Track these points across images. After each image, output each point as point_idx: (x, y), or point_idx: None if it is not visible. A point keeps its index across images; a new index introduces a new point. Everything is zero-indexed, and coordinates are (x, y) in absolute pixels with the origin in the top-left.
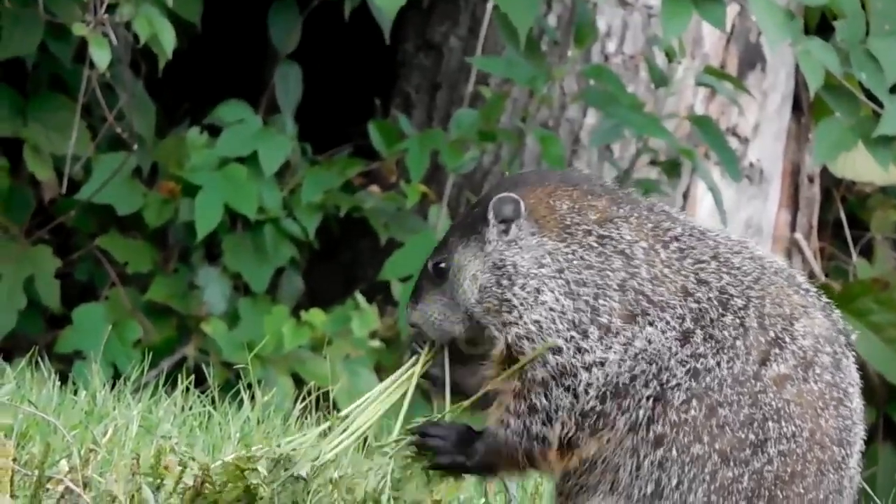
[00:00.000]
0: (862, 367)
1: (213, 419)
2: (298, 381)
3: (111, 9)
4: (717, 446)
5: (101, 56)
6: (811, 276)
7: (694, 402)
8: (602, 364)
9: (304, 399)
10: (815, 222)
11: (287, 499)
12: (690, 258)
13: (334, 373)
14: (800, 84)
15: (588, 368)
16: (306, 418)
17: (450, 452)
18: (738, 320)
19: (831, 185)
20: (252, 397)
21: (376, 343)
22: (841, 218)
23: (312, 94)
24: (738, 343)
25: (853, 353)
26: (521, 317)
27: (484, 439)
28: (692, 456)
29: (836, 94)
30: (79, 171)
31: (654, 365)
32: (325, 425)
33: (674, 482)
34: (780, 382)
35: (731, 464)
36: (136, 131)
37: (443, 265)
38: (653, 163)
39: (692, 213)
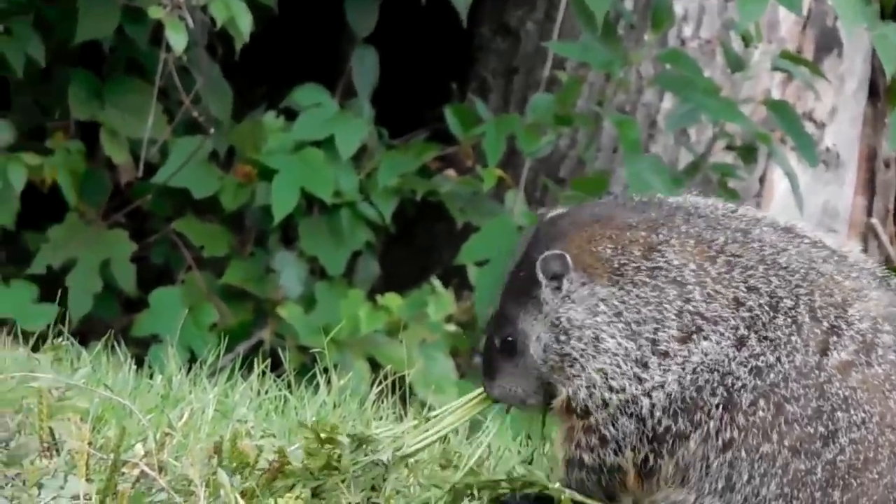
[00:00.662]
0: None
1: (288, 403)
2: (374, 365)
3: None
4: (786, 443)
5: (177, 39)
6: (887, 260)
7: (761, 402)
8: (662, 386)
9: (380, 383)
10: (891, 207)
11: (366, 482)
12: (739, 268)
13: (410, 357)
14: (876, 69)
15: (648, 394)
16: (382, 402)
17: None
18: (789, 319)
19: None
20: (328, 381)
21: (452, 327)
22: None
23: (389, 78)
24: (794, 338)
25: None
26: (583, 368)
27: (563, 486)
28: (761, 454)
29: None
30: (155, 155)
31: (716, 373)
32: (411, 422)
33: (745, 477)
34: (845, 370)
35: (803, 456)
36: (213, 115)
37: (510, 338)
38: (729, 147)
39: (769, 198)
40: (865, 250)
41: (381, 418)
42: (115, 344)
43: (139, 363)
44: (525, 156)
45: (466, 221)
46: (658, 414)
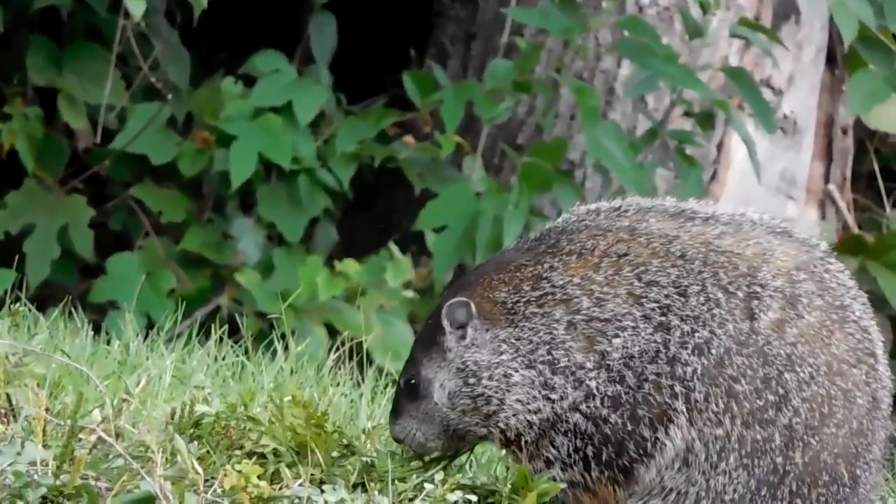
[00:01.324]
0: (894, 321)
1: (246, 369)
2: (332, 332)
3: None
4: (738, 421)
5: (135, 6)
6: (845, 227)
7: (714, 391)
8: (589, 397)
9: (337, 349)
10: (848, 174)
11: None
12: (627, 267)
13: (368, 323)
14: (834, 36)
15: (576, 408)
16: (340, 368)
17: None
18: (703, 298)
19: (865, 136)
20: (286, 347)
21: (410, 293)
22: (874, 170)
23: (347, 44)
24: (716, 311)
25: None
26: (502, 402)
27: None
28: (716, 436)
29: (870, 46)
30: (113, 121)
31: (659, 361)
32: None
33: (702, 456)
34: (779, 328)
35: (758, 427)
36: (171, 81)
37: (413, 381)
38: (687, 114)
39: (727, 165)
40: (823, 217)
41: (338, 384)
42: (73, 310)
43: (97, 329)
44: (483, 122)
45: (424, 188)
46: (606, 417)
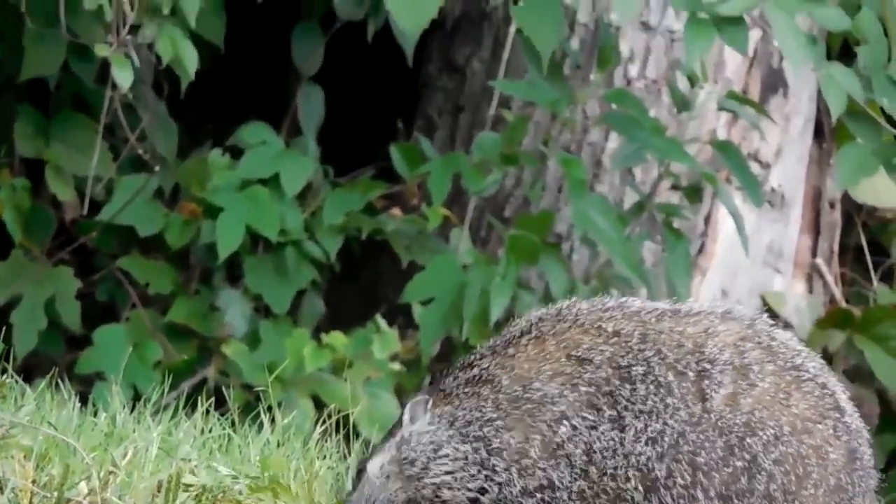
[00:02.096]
0: (882, 394)
1: (232, 441)
2: (319, 404)
3: (134, 30)
4: (712, 493)
5: (123, 77)
6: (832, 301)
7: (674, 466)
8: (548, 488)
9: (324, 422)
10: (836, 247)
11: None
12: (553, 341)
13: (355, 395)
14: (821, 109)
15: (531, 494)
16: (326, 441)
17: None
18: (651, 385)
19: (852, 210)
20: (272, 420)
21: (397, 366)
22: (862, 243)
23: (335, 115)
24: (669, 400)
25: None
26: (426, 467)
27: None
28: None
29: (858, 119)
30: (100, 192)
31: (618, 457)
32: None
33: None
34: (732, 401)
35: (735, 500)
36: (159, 152)
37: (360, 467)
38: (674, 187)
39: (714, 238)
40: (810, 290)
41: (324, 457)
42: (60, 381)
43: (83, 401)
44: (471, 194)
45: (412, 260)
46: None
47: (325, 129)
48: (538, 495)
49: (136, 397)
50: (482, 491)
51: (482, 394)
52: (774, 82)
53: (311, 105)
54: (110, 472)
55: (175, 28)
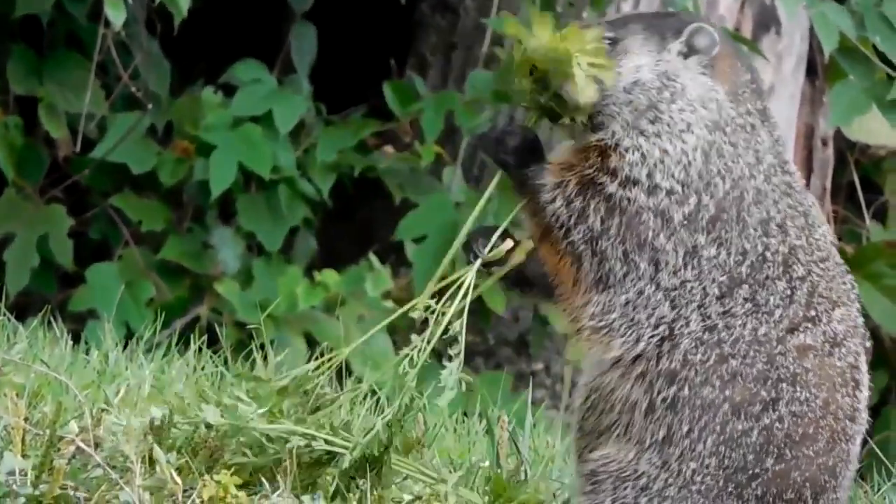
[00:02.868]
0: (874, 332)
1: (225, 379)
2: (311, 342)
3: None
4: (727, 393)
5: (116, 14)
6: None
7: (702, 349)
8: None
9: (316, 359)
10: (828, 185)
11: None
12: (787, 200)
13: (348, 333)
14: (814, 47)
15: (669, 237)
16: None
17: (504, 153)
18: (789, 290)
19: (845, 148)
20: (265, 358)
21: (390, 304)
22: (854, 181)
23: (328, 54)
24: (778, 312)
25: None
26: (658, 135)
27: (536, 174)
28: (703, 400)
29: (851, 57)
30: (93, 130)
31: (678, 306)
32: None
33: (685, 428)
34: (803, 351)
35: (742, 416)
36: (151, 90)
37: (610, 41)
38: None
39: None
40: None
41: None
42: (52, 319)
43: (76, 339)
44: (463, 132)
45: (404, 198)
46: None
47: (318, 67)
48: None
49: (129, 335)
50: (654, 189)
51: (745, 158)
52: (767, 20)
53: (303, 43)
54: (103, 410)
55: None
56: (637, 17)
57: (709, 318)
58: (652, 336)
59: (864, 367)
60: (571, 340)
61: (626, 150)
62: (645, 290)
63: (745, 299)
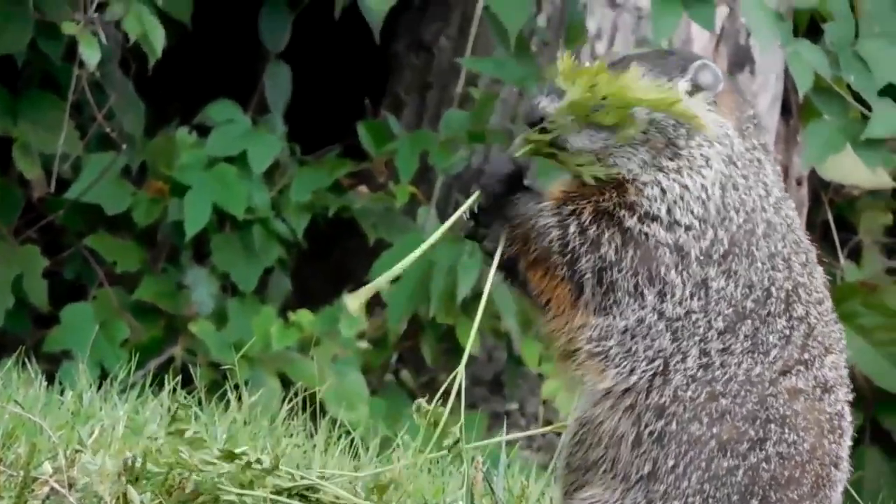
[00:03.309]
0: (849, 371)
1: (199, 420)
2: (286, 382)
3: (101, 7)
4: (715, 430)
5: (90, 55)
6: None
7: (693, 386)
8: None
9: (291, 400)
10: (803, 224)
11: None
12: (792, 236)
13: (322, 373)
14: (789, 86)
15: (681, 272)
16: (293, 419)
17: (493, 181)
18: (787, 329)
19: (820, 187)
20: (239, 398)
21: (364, 344)
22: (829, 220)
23: (302, 93)
24: (774, 353)
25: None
26: (679, 171)
27: (530, 200)
28: (690, 435)
29: (825, 96)
30: (68, 170)
31: (676, 340)
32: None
33: (670, 463)
34: (794, 394)
35: (728, 454)
36: (126, 130)
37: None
38: None
39: None
40: None
41: (291, 435)
42: (27, 360)
43: (50, 379)
44: (438, 172)
45: (379, 238)
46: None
47: (293, 107)
48: (687, 272)
49: (103, 376)
50: (673, 225)
51: (756, 191)
52: (741, 59)
53: (278, 83)
54: (77, 451)
55: (142, 6)
56: (637, 57)
57: (707, 354)
58: (645, 371)
59: (849, 418)
60: (563, 365)
61: (645, 184)
62: (646, 319)
63: (746, 336)
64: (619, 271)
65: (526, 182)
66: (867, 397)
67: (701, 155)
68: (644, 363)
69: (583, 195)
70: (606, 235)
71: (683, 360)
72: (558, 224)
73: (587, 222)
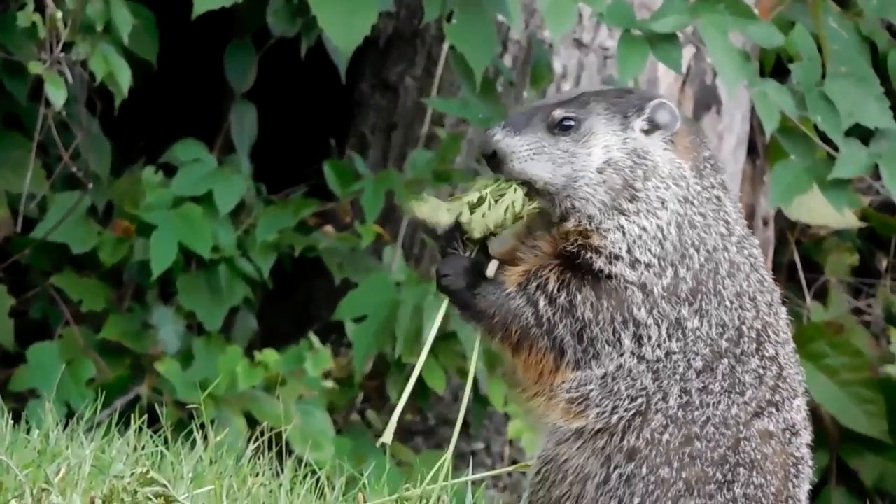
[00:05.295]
0: (815, 411)
1: (165, 459)
2: (251, 422)
3: (67, 47)
4: (684, 475)
5: (56, 94)
6: None
7: (671, 429)
8: (667, 322)
9: (257, 439)
10: (769, 265)
11: None
12: (756, 275)
13: (287, 413)
14: (755, 126)
15: (650, 311)
16: (259, 458)
17: (453, 276)
18: (761, 369)
19: (786, 227)
20: (205, 437)
21: (330, 383)
22: (795, 261)
23: (268, 133)
24: (749, 393)
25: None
26: (637, 213)
27: (495, 289)
28: (659, 478)
29: (792, 136)
30: (34, 210)
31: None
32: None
33: (636, 502)
34: (765, 437)
35: (695, 493)
36: (92, 170)
37: (573, 121)
38: None
39: None
40: None
41: (257, 475)
42: None
43: (16, 418)
44: (403, 212)
45: (344, 277)
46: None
47: (258, 146)
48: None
49: (70, 415)
50: (635, 263)
51: (716, 229)
52: (708, 99)
53: (244, 122)
54: (43, 490)
55: (108, 46)
56: (595, 94)
57: (688, 393)
58: (627, 409)
59: (811, 462)
60: (535, 413)
61: (608, 230)
62: (626, 364)
63: (724, 375)
64: (598, 324)
65: (487, 273)
66: (833, 437)
67: (657, 197)
68: (626, 402)
69: (542, 266)
70: (579, 298)
71: (665, 399)
72: (528, 303)
73: (555, 291)
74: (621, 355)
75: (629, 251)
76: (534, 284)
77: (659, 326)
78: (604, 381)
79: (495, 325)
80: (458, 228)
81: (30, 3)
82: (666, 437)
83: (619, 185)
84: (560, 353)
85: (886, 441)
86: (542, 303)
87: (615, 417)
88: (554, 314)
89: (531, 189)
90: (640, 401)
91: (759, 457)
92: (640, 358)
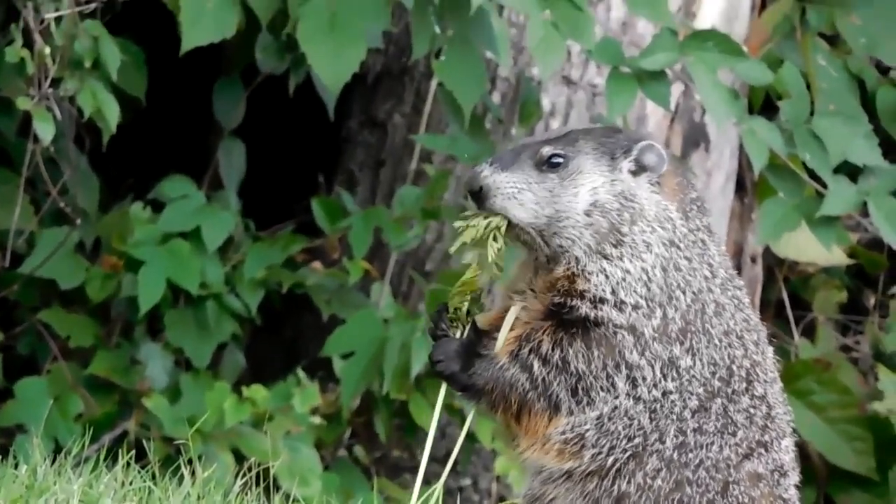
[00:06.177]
0: (802, 448)
1: (153, 495)
2: (239, 457)
3: (56, 83)
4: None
5: (45, 130)
6: None
7: (664, 473)
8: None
9: (244, 475)
10: (757, 302)
11: None
12: (741, 314)
13: (275, 449)
14: (743, 164)
15: (642, 352)
16: (247, 494)
17: (446, 360)
18: (751, 408)
19: (774, 264)
20: (192, 473)
21: (317, 419)
22: (783, 298)
23: (256, 169)
24: (740, 434)
25: None
26: (621, 257)
27: (488, 365)
28: None
29: (780, 173)
30: (22, 245)
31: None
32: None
33: None
34: (754, 480)
35: None
36: (80, 206)
37: (561, 159)
38: None
39: None
40: None
41: None
42: None
43: (4, 453)
44: (392, 249)
45: (332, 314)
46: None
47: (247, 183)
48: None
49: (57, 450)
50: (620, 305)
51: (701, 272)
52: (696, 136)
53: (232, 159)
54: None
55: (97, 82)
56: (584, 133)
57: (683, 433)
58: (625, 450)
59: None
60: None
61: (591, 273)
62: (622, 405)
63: (718, 415)
64: (591, 374)
65: (480, 350)
66: (821, 474)
67: (643, 241)
68: (624, 441)
69: (534, 329)
70: (571, 352)
71: (661, 439)
72: (522, 369)
73: (548, 351)
74: (616, 398)
75: (614, 293)
76: (526, 349)
77: (653, 367)
78: (599, 421)
79: (495, 399)
80: (444, 309)
81: (18, 39)
82: (658, 482)
83: (606, 229)
84: (555, 410)
85: (874, 478)
86: (536, 365)
87: (611, 459)
88: (548, 373)
89: (513, 231)
90: (637, 440)
91: (747, 500)
92: (637, 399)
